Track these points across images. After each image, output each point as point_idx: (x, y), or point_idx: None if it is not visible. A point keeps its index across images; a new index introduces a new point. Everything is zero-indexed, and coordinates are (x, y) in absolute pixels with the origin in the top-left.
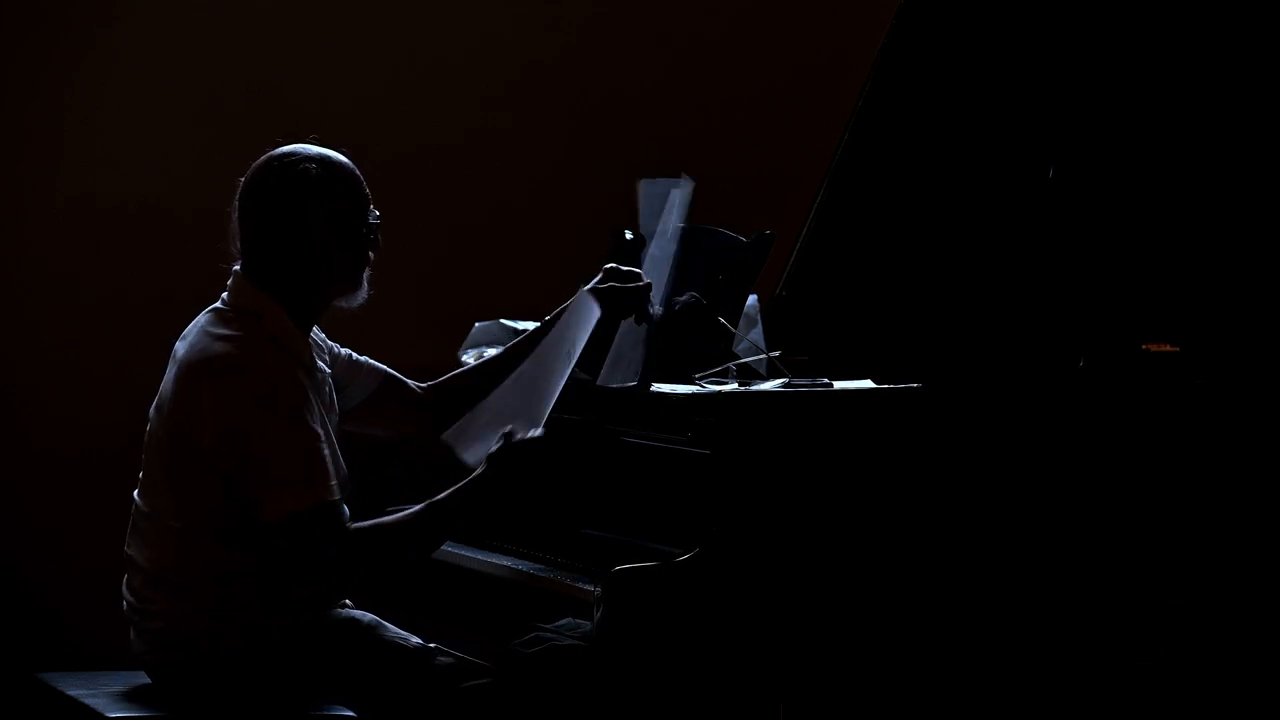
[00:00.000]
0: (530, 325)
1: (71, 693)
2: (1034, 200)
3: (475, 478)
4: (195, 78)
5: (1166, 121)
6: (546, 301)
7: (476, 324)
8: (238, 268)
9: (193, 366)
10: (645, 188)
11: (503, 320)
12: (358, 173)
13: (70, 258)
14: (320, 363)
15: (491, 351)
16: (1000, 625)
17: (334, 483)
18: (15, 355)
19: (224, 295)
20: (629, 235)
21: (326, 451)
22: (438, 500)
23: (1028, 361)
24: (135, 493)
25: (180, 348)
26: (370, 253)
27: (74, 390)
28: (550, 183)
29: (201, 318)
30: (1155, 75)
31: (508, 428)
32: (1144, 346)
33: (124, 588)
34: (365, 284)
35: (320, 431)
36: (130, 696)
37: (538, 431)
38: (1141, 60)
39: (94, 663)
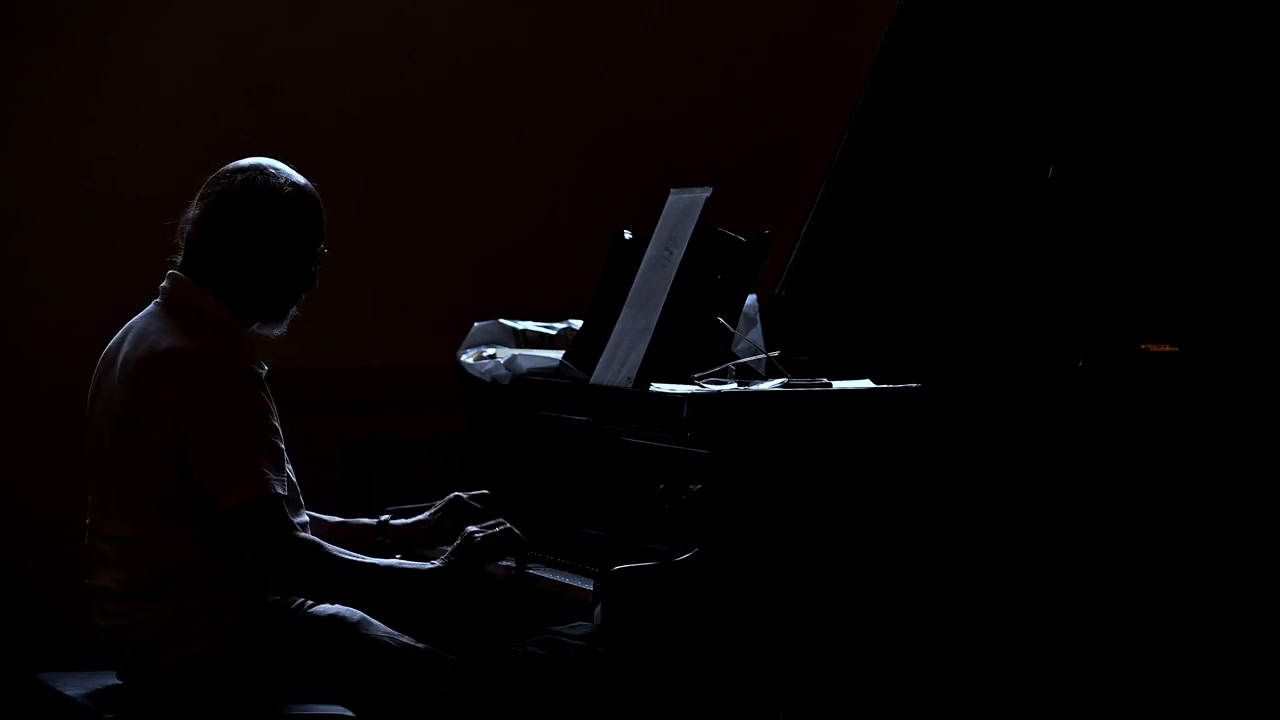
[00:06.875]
0: (530, 325)
1: (70, 693)
2: (1033, 200)
3: (429, 569)
4: (197, 80)
5: (1166, 121)
6: (546, 301)
7: (476, 324)
8: (176, 271)
9: (142, 362)
10: (674, 197)
11: (503, 320)
12: (322, 206)
13: (70, 256)
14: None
15: (490, 347)
16: (1000, 625)
17: (281, 478)
18: (14, 355)
19: (159, 298)
20: (628, 235)
21: (281, 445)
22: (387, 566)
23: (1027, 361)
24: (88, 521)
25: (120, 349)
26: (304, 289)
27: (74, 390)
28: (551, 183)
29: (138, 320)
30: (1155, 75)
31: (468, 528)
32: (1144, 346)
33: (98, 616)
34: (287, 317)
35: (276, 426)
36: (129, 697)
37: (502, 526)
38: (1141, 60)
39: (94, 663)
